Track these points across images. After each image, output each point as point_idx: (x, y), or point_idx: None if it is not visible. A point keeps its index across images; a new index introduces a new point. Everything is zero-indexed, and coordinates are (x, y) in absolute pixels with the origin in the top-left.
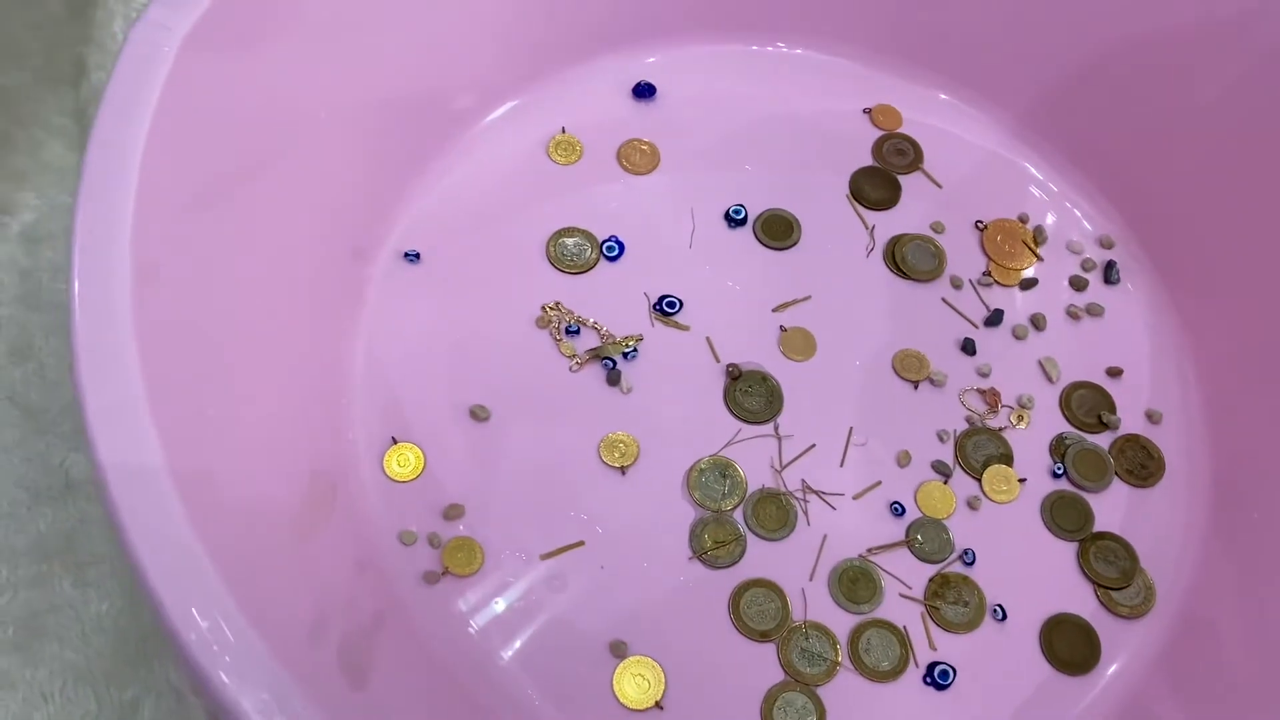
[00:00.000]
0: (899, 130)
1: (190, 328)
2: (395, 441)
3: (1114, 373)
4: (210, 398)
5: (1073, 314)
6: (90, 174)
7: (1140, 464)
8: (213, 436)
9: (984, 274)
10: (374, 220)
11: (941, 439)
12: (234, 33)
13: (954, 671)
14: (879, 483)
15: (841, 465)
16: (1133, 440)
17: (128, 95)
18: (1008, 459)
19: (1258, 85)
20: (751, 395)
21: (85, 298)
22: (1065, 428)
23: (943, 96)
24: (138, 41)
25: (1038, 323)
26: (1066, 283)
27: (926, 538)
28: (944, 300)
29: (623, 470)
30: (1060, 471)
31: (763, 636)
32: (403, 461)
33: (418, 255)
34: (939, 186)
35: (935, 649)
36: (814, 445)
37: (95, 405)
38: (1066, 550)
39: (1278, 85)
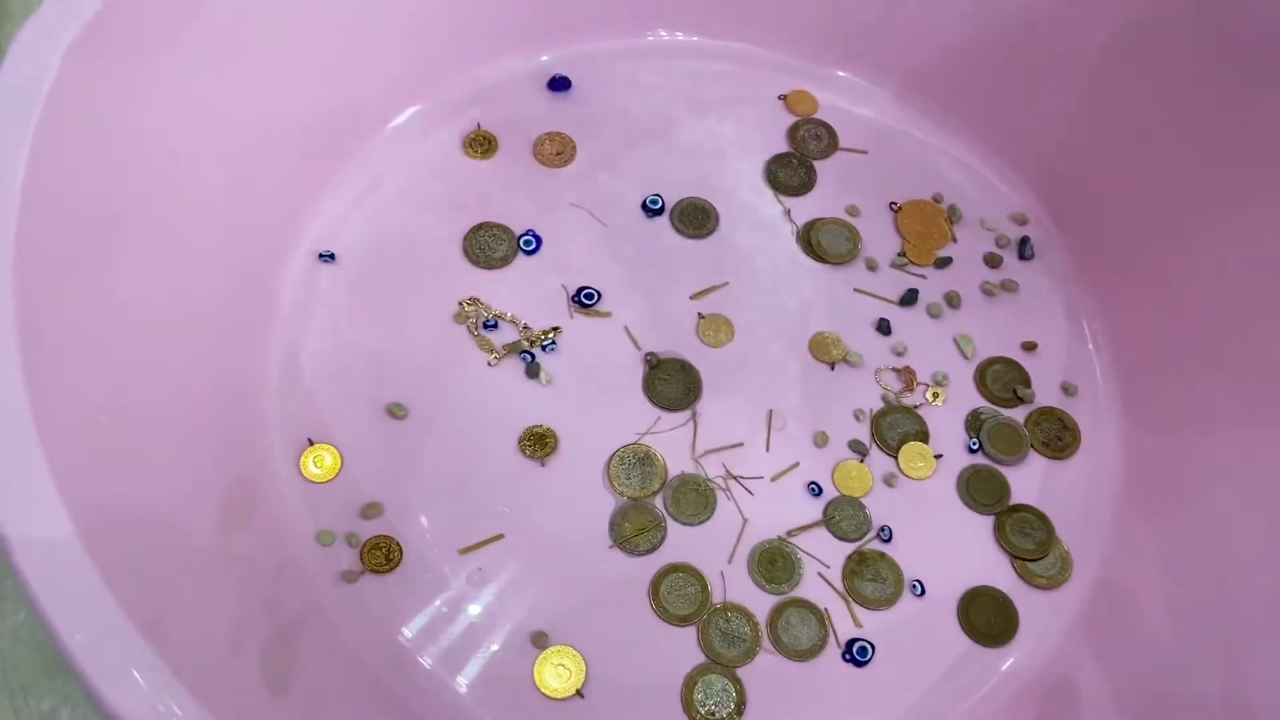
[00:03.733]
0: (814, 116)
1: (82, 338)
2: (311, 443)
3: (1029, 347)
4: (107, 408)
5: (988, 290)
6: None
7: (1055, 436)
8: (111, 449)
9: (899, 254)
10: (287, 222)
11: (858, 418)
12: (125, 41)
13: (873, 647)
14: (797, 464)
15: (767, 450)
16: (1048, 413)
17: (8, 108)
18: (924, 436)
19: (1162, 58)
20: (670, 383)
21: None
22: (981, 403)
23: (841, 74)
24: (18, 53)
25: (953, 300)
26: (981, 260)
27: (844, 516)
28: (857, 290)
29: (542, 462)
30: (976, 446)
31: (683, 621)
32: (319, 462)
33: (333, 255)
34: (865, 153)
35: (861, 625)
36: (742, 444)
37: None
38: (984, 524)
39: (1182, 57)
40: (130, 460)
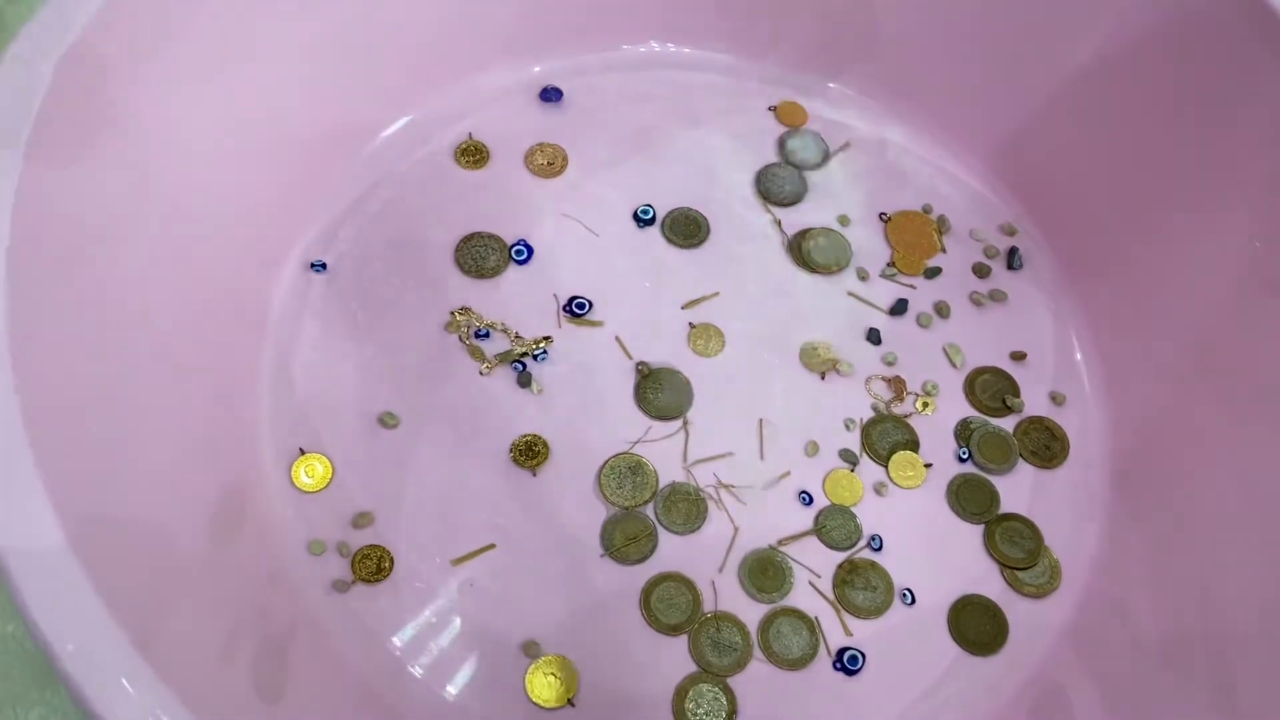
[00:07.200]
0: (804, 126)
1: (71, 348)
2: (303, 452)
3: (1018, 357)
4: (98, 418)
5: (976, 300)
6: None
7: (1044, 445)
8: (102, 459)
9: (889, 264)
10: (279, 232)
11: (848, 427)
12: (117, 52)
13: (863, 656)
14: (788, 473)
15: (762, 459)
16: (1037, 422)
17: (2, 118)
18: (914, 445)
19: (1151, 72)
20: (661, 392)
21: None
22: (970, 412)
23: (831, 85)
24: (12, 61)
25: (942, 310)
26: (970, 270)
27: (835, 525)
28: (850, 294)
29: (534, 471)
30: (966, 456)
31: (674, 630)
32: (310, 471)
33: (324, 265)
34: (848, 145)
35: (851, 634)
36: (733, 453)
37: None
38: (973, 533)
39: (1171, 70)
40: (120, 469)
